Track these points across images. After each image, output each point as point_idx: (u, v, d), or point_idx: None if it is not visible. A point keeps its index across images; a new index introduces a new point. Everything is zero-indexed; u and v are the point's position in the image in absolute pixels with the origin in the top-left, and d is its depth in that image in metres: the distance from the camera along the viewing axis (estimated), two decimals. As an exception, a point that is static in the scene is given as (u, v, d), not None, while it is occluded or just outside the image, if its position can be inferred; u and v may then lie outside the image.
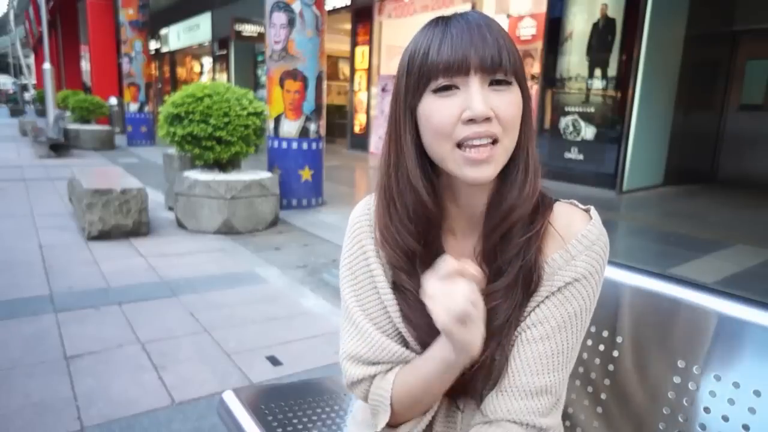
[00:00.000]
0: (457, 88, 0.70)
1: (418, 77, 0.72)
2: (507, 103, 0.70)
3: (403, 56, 0.75)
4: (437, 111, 0.71)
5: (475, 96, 0.69)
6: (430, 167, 0.78)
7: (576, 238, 0.75)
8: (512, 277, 0.75)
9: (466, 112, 0.69)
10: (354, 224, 0.87)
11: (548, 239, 0.77)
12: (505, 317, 0.75)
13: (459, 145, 0.71)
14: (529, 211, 0.75)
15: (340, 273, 0.89)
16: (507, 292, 0.76)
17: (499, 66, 0.69)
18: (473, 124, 0.69)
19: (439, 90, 0.71)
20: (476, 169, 0.71)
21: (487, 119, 0.69)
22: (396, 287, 0.82)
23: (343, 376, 0.85)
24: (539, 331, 0.76)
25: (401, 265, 0.80)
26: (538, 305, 0.76)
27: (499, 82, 0.70)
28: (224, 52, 17.47)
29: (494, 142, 0.71)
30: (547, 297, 0.76)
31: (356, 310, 0.84)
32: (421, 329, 0.79)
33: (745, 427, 0.80)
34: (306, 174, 5.84)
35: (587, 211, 0.79)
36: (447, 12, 0.75)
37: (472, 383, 0.80)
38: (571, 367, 0.79)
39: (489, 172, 0.71)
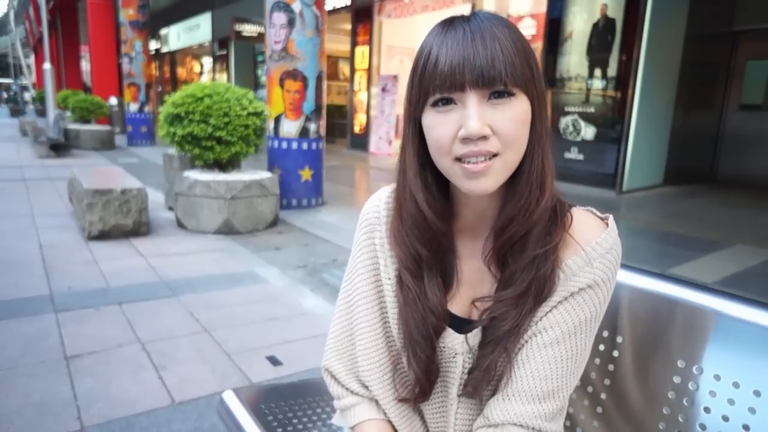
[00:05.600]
0: (454, 103, 0.70)
1: (419, 89, 0.72)
2: (507, 118, 0.68)
3: (413, 62, 0.75)
4: (435, 127, 0.71)
5: (471, 114, 0.67)
6: (433, 174, 0.78)
7: (591, 245, 0.74)
8: (524, 287, 0.74)
9: (461, 131, 0.68)
10: (363, 219, 0.90)
11: (564, 246, 0.76)
12: (513, 324, 0.75)
13: (459, 159, 0.71)
14: (541, 220, 0.74)
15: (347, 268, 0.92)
16: (517, 301, 0.75)
17: (495, 79, 0.67)
18: (469, 142, 0.68)
19: (437, 104, 0.71)
20: (474, 181, 0.71)
21: (484, 137, 0.68)
22: (400, 282, 0.83)
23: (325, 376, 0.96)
24: (550, 335, 0.75)
25: (408, 265, 0.81)
26: (550, 309, 0.75)
27: (499, 95, 0.68)
28: (224, 52, 17.47)
29: (494, 155, 0.70)
30: (560, 302, 0.75)
31: (343, 315, 0.92)
32: (410, 330, 0.80)
33: (745, 427, 0.80)
34: (306, 174, 5.84)
35: (604, 219, 0.78)
36: (455, 11, 0.74)
37: (472, 385, 0.80)
38: (579, 374, 0.78)
39: (487, 184, 0.71)
